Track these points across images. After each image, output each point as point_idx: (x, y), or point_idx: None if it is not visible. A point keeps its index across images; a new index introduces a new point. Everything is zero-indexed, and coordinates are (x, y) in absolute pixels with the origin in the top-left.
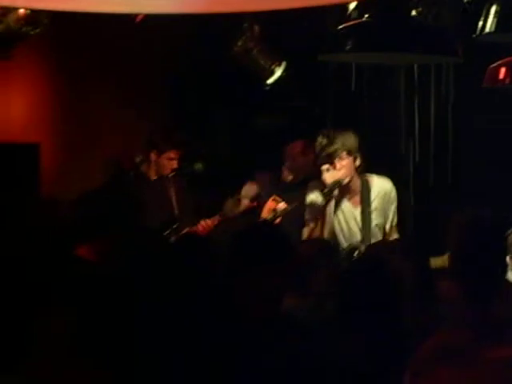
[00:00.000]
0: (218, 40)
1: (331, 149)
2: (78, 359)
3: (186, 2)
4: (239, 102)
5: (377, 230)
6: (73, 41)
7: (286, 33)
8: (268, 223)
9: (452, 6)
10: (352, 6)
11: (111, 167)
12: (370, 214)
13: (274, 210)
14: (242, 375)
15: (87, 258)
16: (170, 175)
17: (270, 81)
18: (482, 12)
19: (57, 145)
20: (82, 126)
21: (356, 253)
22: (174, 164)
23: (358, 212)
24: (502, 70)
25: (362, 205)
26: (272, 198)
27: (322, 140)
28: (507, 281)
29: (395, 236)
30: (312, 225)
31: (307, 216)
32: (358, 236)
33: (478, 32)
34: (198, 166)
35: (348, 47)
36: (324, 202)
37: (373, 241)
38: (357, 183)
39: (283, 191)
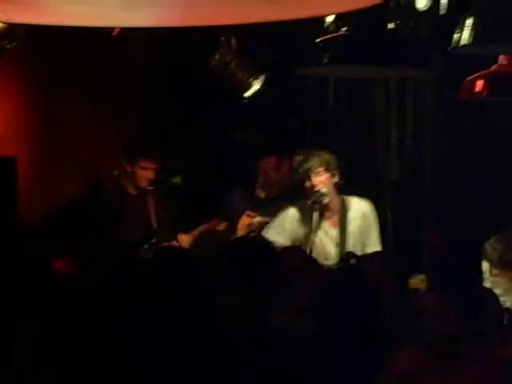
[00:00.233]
0: (196, 53)
1: (308, 165)
2: (53, 372)
3: (161, 15)
4: (217, 116)
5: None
6: (49, 54)
7: (263, 46)
8: (249, 237)
9: (428, 18)
10: (330, 19)
11: (88, 181)
12: (348, 235)
13: (249, 224)
14: None
15: (64, 271)
16: (149, 188)
17: (247, 94)
18: (457, 25)
19: (33, 158)
20: (59, 139)
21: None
22: (150, 174)
23: (335, 232)
24: (479, 83)
25: (340, 226)
26: (246, 213)
27: (298, 157)
28: (485, 291)
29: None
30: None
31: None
32: (334, 258)
33: (453, 44)
34: (176, 179)
35: (325, 60)
36: (303, 217)
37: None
38: (335, 202)
39: (257, 207)
